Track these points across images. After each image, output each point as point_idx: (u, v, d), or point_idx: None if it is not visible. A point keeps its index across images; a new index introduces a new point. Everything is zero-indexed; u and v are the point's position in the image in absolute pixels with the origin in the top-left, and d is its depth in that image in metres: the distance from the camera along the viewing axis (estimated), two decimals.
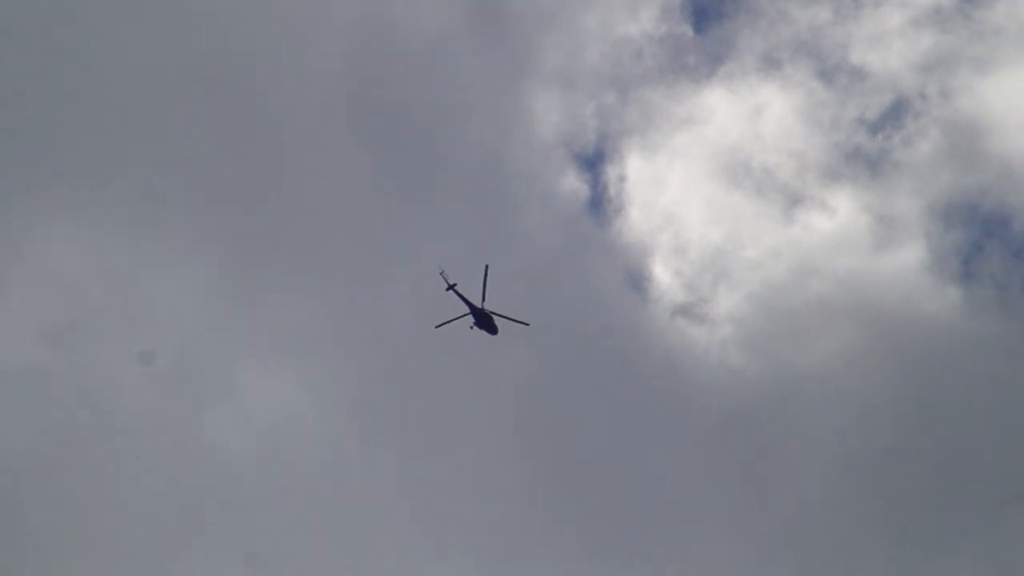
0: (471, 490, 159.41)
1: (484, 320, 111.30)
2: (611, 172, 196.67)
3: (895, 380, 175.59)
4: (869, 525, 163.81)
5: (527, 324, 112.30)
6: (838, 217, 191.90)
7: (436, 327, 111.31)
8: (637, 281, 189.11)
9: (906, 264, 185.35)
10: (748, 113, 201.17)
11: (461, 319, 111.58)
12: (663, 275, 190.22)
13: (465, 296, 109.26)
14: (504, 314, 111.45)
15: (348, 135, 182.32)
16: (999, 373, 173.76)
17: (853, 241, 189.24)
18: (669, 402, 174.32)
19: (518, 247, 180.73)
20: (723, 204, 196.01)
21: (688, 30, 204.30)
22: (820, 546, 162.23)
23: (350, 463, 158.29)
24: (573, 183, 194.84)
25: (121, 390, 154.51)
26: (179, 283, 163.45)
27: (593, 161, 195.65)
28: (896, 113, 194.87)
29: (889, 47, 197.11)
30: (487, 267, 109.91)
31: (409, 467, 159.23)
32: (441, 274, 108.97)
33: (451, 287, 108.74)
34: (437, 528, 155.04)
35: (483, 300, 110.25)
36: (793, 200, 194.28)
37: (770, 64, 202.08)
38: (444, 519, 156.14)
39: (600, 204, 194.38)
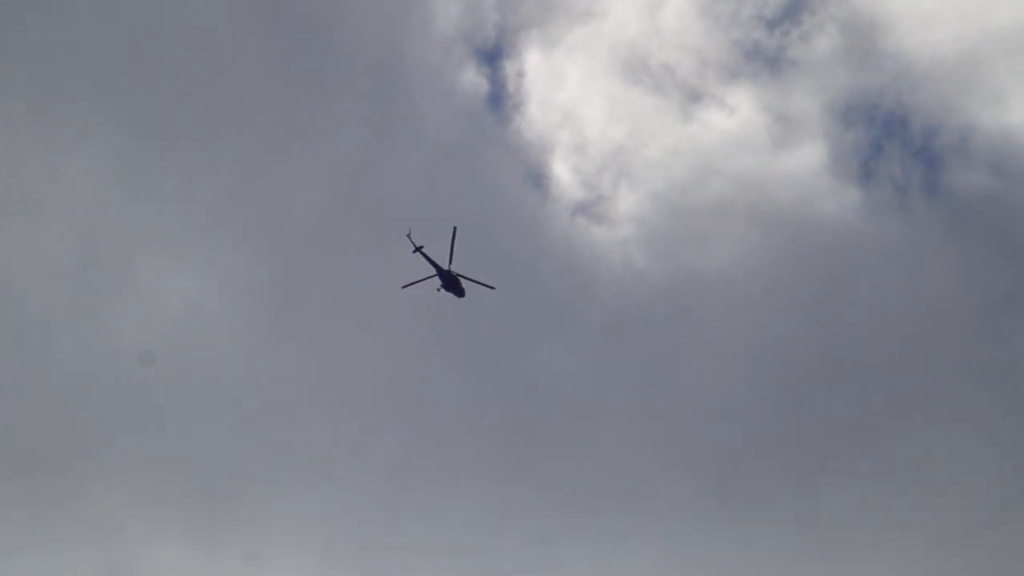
0: (375, 376, 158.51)
1: (451, 282, 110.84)
2: (510, 68, 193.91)
3: (795, 280, 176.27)
4: (769, 425, 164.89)
5: (492, 287, 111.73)
6: (737, 116, 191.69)
7: (403, 287, 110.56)
8: (537, 179, 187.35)
9: (806, 165, 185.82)
10: (647, 8, 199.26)
11: (428, 280, 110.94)
12: (563, 173, 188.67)
13: (432, 258, 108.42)
14: (471, 276, 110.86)
15: (245, 29, 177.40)
16: (898, 273, 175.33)
17: (753, 141, 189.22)
18: (571, 301, 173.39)
19: (418, 142, 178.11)
20: (623, 101, 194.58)
21: None
22: (719, 446, 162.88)
23: (255, 354, 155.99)
24: (473, 78, 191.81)
25: (24, 287, 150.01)
26: (75, 176, 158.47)
27: (492, 56, 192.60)
28: (794, 10, 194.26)
29: None
30: (455, 229, 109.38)
31: (315, 356, 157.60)
32: (408, 236, 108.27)
33: (418, 249, 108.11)
34: (340, 413, 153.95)
35: (450, 263, 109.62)
36: (693, 98, 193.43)
37: None
38: (349, 405, 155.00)
39: (500, 100, 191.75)
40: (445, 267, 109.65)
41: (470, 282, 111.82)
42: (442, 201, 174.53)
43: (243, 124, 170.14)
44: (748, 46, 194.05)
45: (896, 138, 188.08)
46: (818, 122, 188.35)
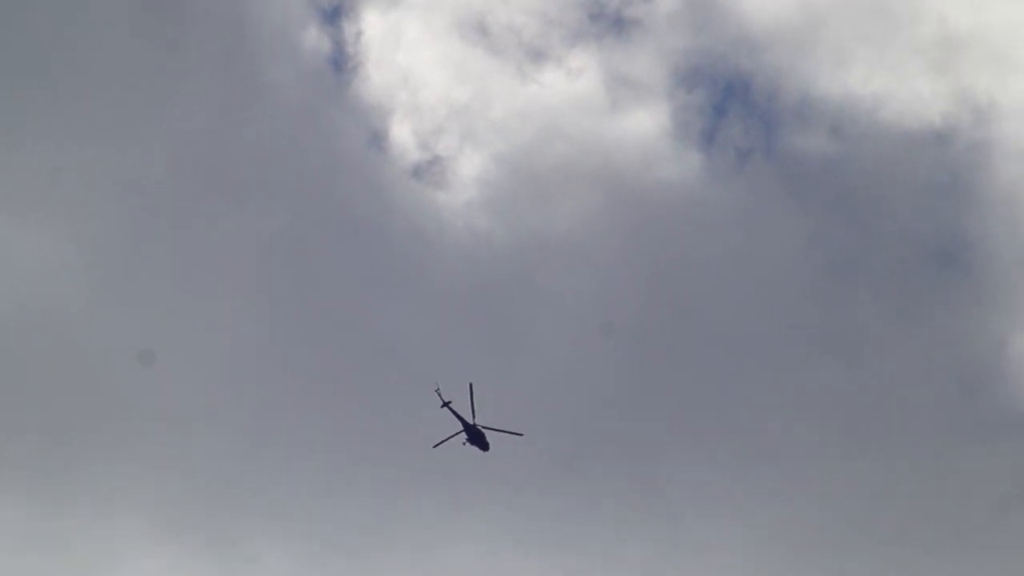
0: (225, 334, 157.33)
1: (476, 436, 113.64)
2: (349, 28, 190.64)
3: (637, 244, 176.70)
4: (614, 388, 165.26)
5: (520, 435, 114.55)
6: (581, 78, 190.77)
7: (433, 447, 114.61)
8: (378, 141, 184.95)
9: (648, 128, 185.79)
10: None
11: (455, 437, 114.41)
12: (404, 135, 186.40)
13: (459, 413, 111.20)
14: (496, 427, 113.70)
15: None
16: (739, 236, 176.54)
17: (595, 103, 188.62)
18: (414, 266, 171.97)
19: (261, 103, 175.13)
20: (465, 62, 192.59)
21: None
22: (564, 407, 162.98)
23: (102, 314, 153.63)
24: (315, 37, 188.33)
25: None
26: None
27: (333, 15, 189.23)
28: None
29: None
30: (471, 386, 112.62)
31: (170, 311, 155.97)
32: (436, 391, 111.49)
33: (446, 404, 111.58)
34: (189, 371, 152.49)
35: (473, 416, 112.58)
36: (536, 59, 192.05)
37: None
38: (197, 363, 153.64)
39: (341, 61, 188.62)
40: (471, 422, 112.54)
41: (496, 433, 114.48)
42: (286, 163, 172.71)
43: (89, 83, 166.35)
44: (592, 8, 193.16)
45: (738, 101, 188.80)
46: (661, 85, 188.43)
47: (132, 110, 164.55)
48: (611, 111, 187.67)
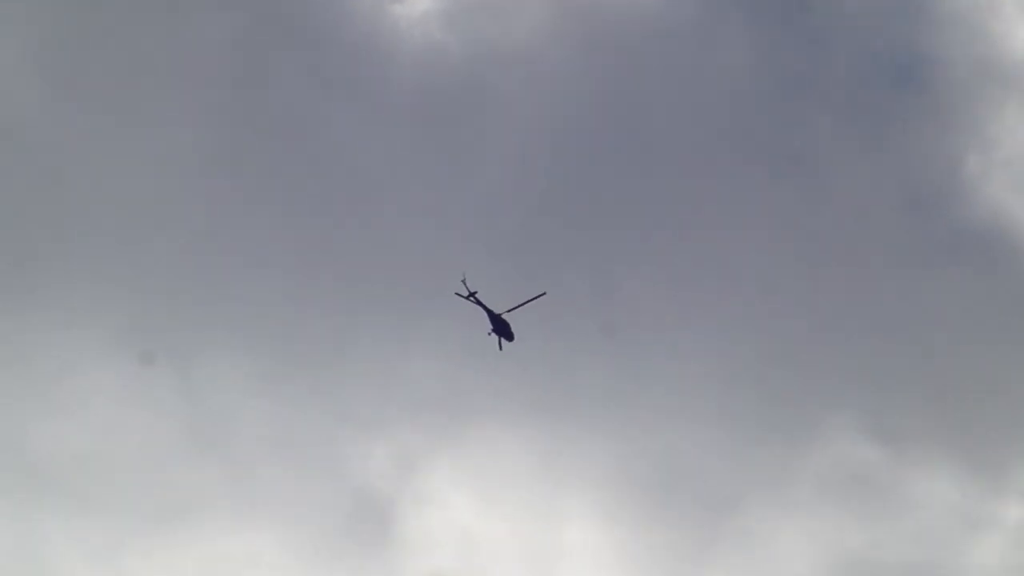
0: (183, 141, 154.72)
1: (502, 326, 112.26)
2: None
3: (590, 58, 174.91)
4: (566, 202, 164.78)
5: (543, 294, 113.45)
6: None
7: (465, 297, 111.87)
8: None
9: None
10: None
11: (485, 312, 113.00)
12: None
13: (485, 304, 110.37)
14: (519, 304, 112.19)
15: None
16: (694, 52, 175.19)
17: None
18: (370, 76, 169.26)
19: None
20: None
21: None
22: (513, 224, 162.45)
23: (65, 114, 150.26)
24: None
25: None
26: None
27: None
28: None
29: None
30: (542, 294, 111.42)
31: (124, 114, 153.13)
32: (462, 281, 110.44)
33: (472, 295, 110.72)
34: (156, 183, 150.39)
35: (507, 311, 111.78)
36: None
37: None
38: (162, 173, 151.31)
39: None
40: (498, 312, 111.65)
41: (517, 312, 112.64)
42: None
43: None
44: None
45: None
46: None
47: None
48: None
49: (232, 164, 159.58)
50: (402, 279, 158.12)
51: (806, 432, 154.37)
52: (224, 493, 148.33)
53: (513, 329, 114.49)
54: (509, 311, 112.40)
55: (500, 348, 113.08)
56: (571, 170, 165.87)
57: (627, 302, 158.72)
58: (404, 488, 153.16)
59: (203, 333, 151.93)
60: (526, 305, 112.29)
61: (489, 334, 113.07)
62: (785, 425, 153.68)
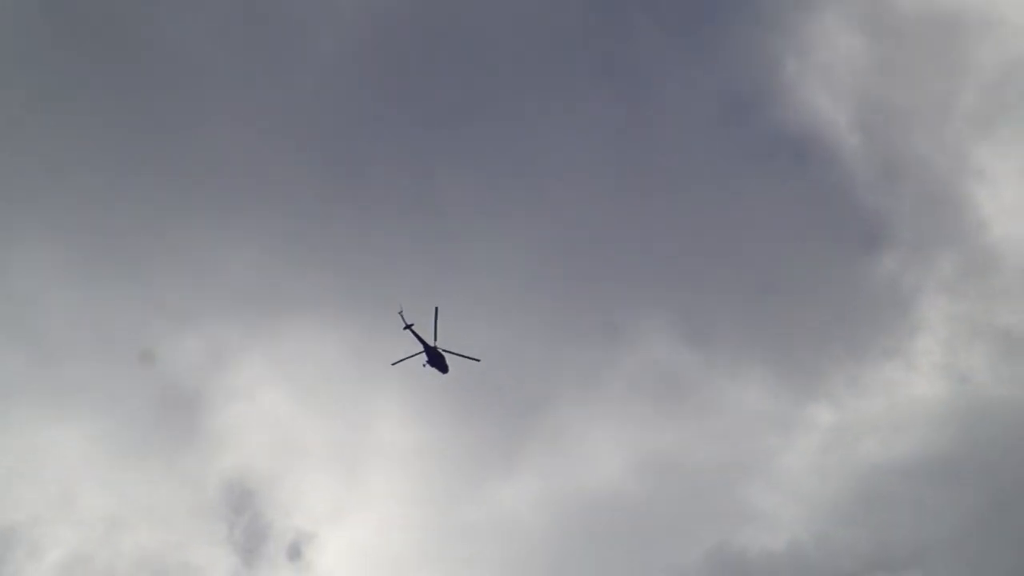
0: None
1: (437, 359, 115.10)
2: None
3: None
4: (387, 103, 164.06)
5: (478, 360, 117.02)
6: None
7: (392, 364, 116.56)
8: None
9: None
10: None
11: (415, 357, 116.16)
12: None
13: (421, 336, 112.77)
14: (454, 351, 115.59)
15: None
16: None
17: None
18: None
19: None
20: None
21: None
22: (339, 118, 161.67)
23: None
24: None
25: None
26: None
27: None
28: None
29: None
30: (436, 309, 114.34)
31: None
32: (399, 313, 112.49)
33: (408, 327, 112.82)
34: None
35: (435, 339, 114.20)
36: None
37: None
38: None
39: None
40: (432, 344, 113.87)
41: (454, 356, 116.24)
42: None
43: None
44: None
45: None
46: None
47: None
48: None
49: (52, 51, 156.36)
50: (218, 171, 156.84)
51: (618, 333, 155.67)
52: (32, 382, 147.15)
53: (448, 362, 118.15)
54: (445, 350, 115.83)
55: (424, 366, 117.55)
56: (389, 67, 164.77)
57: (444, 201, 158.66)
58: (216, 381, 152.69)
59: (12, 219, 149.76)
60: (460, 357, 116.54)
61: (424, 366, 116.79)
62: (598, 327, 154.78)
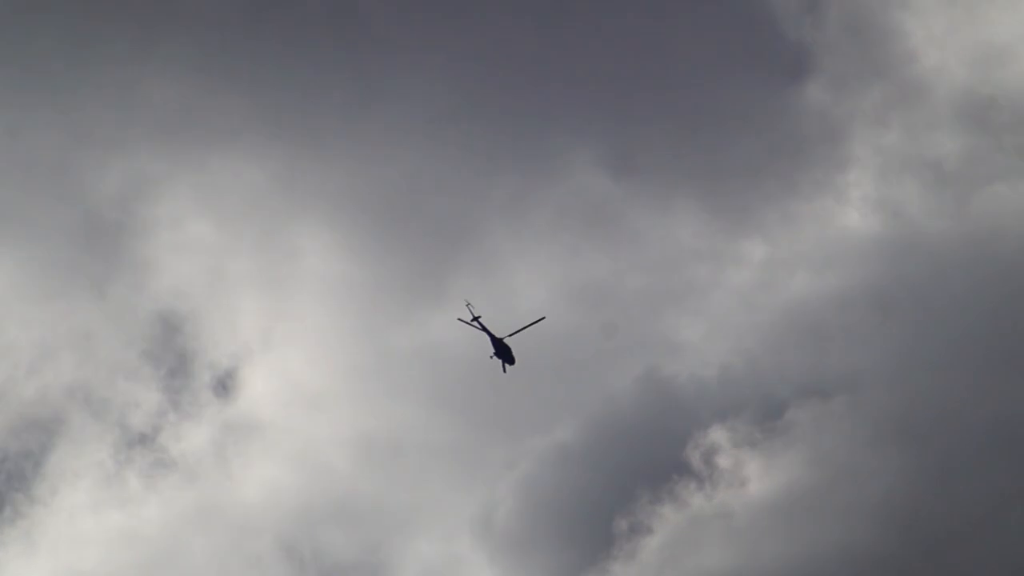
0: None
1: (504, 351, 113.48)
2: None
3: None
4: None
5: (543, 318, 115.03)
6: None
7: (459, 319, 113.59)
8: None
9: None
10: None
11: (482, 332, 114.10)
12: None
13: (488, 328, 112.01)
14: (520, 328, 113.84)
15: None
16: None
17: None
18: None
19: None
20: None
21: None
22: None
23: None
24: None
25: None
26: None
27: None
28: None
29: None
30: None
31: None
32: (467, 306, 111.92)
33: (476, 319, 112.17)
34: None
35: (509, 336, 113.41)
36: None
37: None
38: None
39: None
40: (499, 336, 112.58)
41: (518, 336, 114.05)
42: None
43: None
44: None
45: None
46: None
47: None
48: None
49: None
50: None
51: (547, 163, 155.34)
52: None
53: (514, 353, 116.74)
54: (511, 335, 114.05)
55: (504, 371, 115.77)
56: None
57: (371, 30, 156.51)
58: (141, 211, 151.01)
59: None
60: (527, 329, 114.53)
61: (491, 357, 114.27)
62: (525, 155, 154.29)
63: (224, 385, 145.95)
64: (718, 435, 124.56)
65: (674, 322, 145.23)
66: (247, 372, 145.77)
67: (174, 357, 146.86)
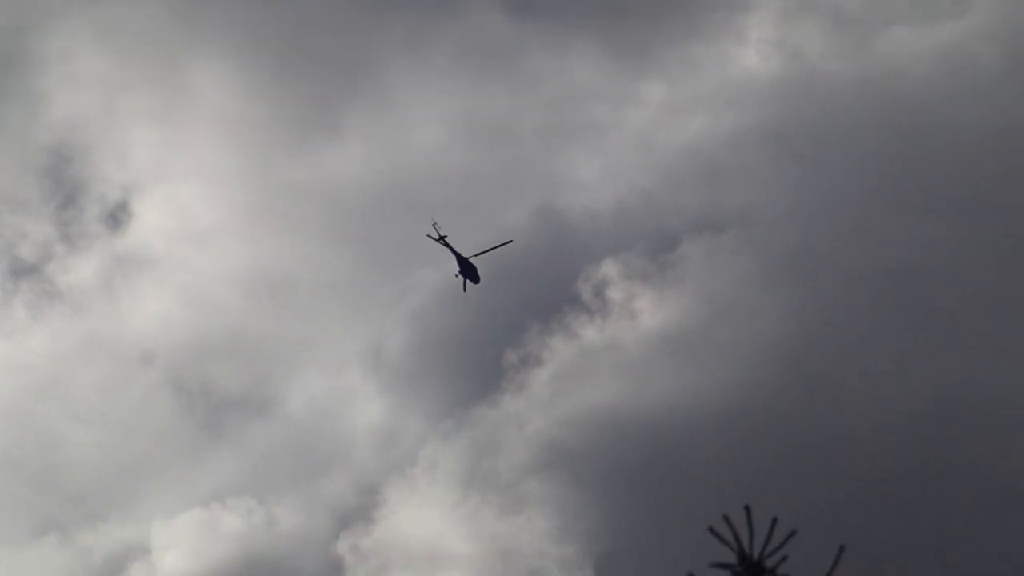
0: None
1: (469, 269, 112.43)
2: None
3: None
4: None
5: (510, 241, 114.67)
6: None
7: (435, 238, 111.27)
8: None
9: None
10: None
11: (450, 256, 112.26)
12: None
13: (454, 247, 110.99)
14: (485, 250, 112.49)
15: None
16: None
17: None
18: None
19: None
20: None
21: None
22: None
23: None
24: None
25: None
26: None
27: None
28: None
29: None
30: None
31: None
32: (433, 225, 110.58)
33: (442, 238, 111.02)
34: None
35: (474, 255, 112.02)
36: None
37: None
38: None
39: None
40: (466, 256, 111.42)
41: (485, 256, 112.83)
42: None
43: None
44: None
45: None
46: None
47: None
48: None
49: None
50: None
51: (444, 1, 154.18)
52: None
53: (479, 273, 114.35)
54: (477, 255, 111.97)
55: (464, 290, 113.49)
56: None
57: None
58: (34, 45, 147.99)
59: None
60: (493, 251, 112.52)
61: (456, 276, 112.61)
62: None
63: (115, 218, 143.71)
64: (610, 268, 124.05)
65: (571, 160, 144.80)
66: (138, 206, 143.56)
67: (65, 190, 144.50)
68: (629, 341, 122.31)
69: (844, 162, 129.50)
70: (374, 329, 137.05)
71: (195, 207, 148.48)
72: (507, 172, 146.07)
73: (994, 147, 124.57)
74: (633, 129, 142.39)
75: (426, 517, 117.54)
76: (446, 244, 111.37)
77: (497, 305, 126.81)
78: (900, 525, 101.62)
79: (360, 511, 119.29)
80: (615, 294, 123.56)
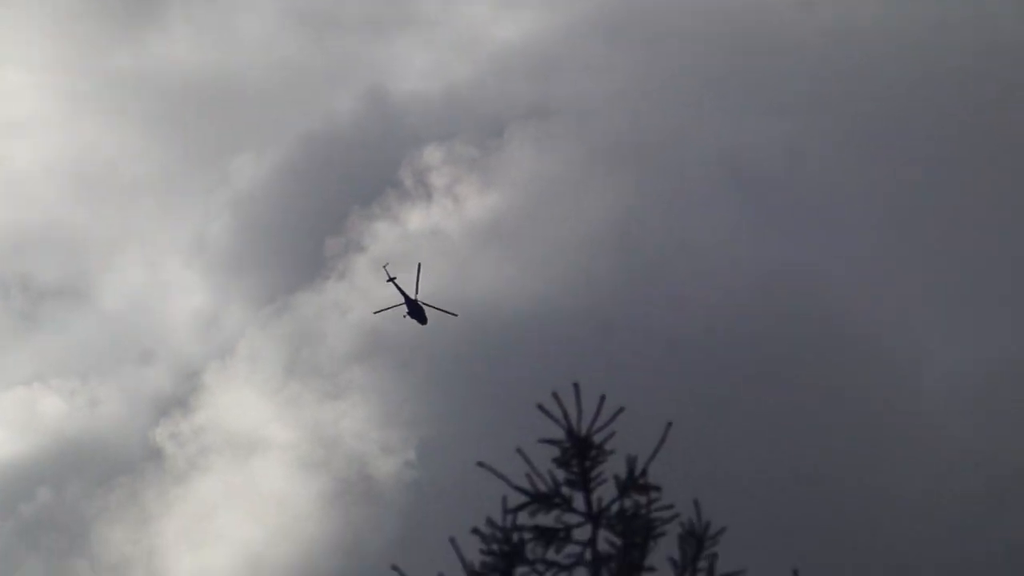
0: None
1: (417, 311, 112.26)
2: None
3: None
4: None
5: (455, 315, 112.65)
6: None
7: (374, 313, 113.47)
8: None
9: None
10: None
11: (397, 308, 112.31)
12: None
13: (403, 289, 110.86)
14: (435, 305, 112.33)
15: None
16: None
17: None
18: None
19: None
20: None
21: None
22: None
23: None
24: None
25: None
26: None
27: None
28: None
29: None
30: (420, 265, 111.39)
31: None
32: (384, 267, 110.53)
33: (391, 280, 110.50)
34: None
35: (416, 293, 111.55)
36: None
37: None
38: None
39: None
40: (413, 297, 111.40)
41: (433, 309, 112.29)
42: None
43: None
44: None
45: None
46: None
47: None
48: None
49: None
50: None
51: None
52: None
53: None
54: (425, 303, 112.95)
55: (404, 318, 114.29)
56: None
57: None
58: None
59: None
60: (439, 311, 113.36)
61: (404, 317, 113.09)
62: None
63: None
64: (434, 154, 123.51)
65: (402, 47, 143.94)
66: None
67: None
68: (453, 227, 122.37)
69: (674, 51, 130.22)
70: (196, 217, 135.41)
71: (9, 95, 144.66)
72: (335, 61, 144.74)
73: (833, 46, 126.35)
74: (466, 19, 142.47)
75: (247, 404, 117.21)
76: (396, 286, 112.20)
77: (322, 190, 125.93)
78: (726, 395, 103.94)
79: (179, 398, 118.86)
80: (439, 179, 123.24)
